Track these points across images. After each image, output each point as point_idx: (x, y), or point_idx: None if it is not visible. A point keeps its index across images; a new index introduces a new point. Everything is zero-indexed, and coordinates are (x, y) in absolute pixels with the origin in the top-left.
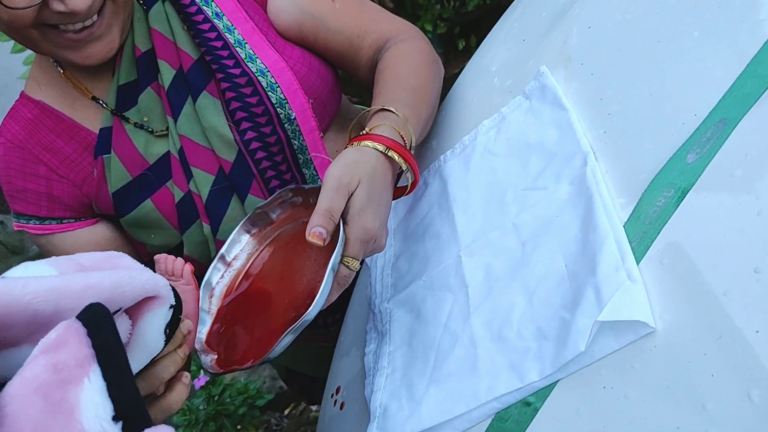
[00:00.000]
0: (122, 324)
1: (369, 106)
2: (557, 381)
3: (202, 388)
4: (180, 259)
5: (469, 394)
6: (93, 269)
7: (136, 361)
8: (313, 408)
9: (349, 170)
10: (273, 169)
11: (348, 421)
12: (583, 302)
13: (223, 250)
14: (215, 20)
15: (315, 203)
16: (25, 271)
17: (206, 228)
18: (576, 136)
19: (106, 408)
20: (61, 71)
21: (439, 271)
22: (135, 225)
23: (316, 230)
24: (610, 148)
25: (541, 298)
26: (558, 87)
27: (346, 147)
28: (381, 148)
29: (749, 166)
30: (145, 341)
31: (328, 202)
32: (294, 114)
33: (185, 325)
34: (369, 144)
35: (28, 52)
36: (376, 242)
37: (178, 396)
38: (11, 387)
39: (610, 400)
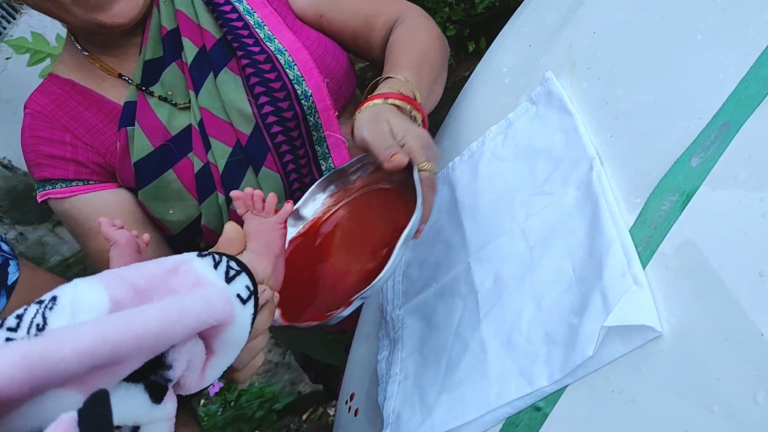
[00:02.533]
0: (191, 349)
1: None
2: (566, 386)
3: (216, 394)
4: (259, 192)
5: (481, 400)
6: (147, 290)
7: (230, 358)
8: (331, 412)
9: (372, 119)
10: (288, 144)
11: (362, 427)
12: (591, 307)
13: (297, 205)
14: (236, 3)
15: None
16: (74, 293)
17: (221, 198)
18: (582, 141)
19: None
20: (87, 54)
21: (449, 278)
22: (154, 197)
23: (395, 158)
24: (616, 152)
25: (549, 303)
26: (563, 92)
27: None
28: (379, 100)
29: (753, 168)
30: (232, 343)
31: (381, 143)
32: (310, 91)
33: (265, 296)
34: (370, 103)
35: (43, 64)
36: (434, 145)
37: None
38: None
39: (618, 404)
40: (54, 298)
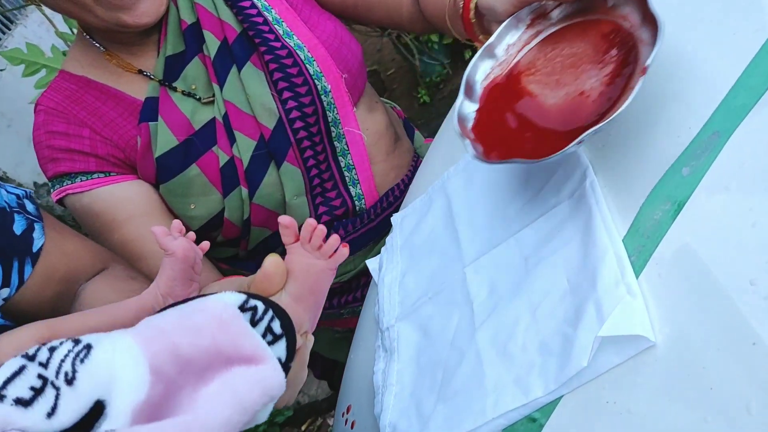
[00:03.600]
0: None
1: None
2: (561, 396)
3: None
4: (323, 228)
5: (477, 411)
6: (192, 359)
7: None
8: (331, 422)
9: None
10: (308, 140)
11: None
12: (585, 317)
13: (491, 40)
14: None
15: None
16: (112, 355)
17: (244, 192)
18: (575, 149)
19: None
20: (103, 50)
21: (444, 288)
22: (176, 192)
23: None
24: (608, 162)
25: (544, 312)
26: None
27: None
28: None
29: (743, 177)
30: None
31: None
32: (329, 87)
33: (301, 350)
34: None
35: (38, 75)
36: None
37: None
38: None
39: (613, 415)
40: (89, 348)
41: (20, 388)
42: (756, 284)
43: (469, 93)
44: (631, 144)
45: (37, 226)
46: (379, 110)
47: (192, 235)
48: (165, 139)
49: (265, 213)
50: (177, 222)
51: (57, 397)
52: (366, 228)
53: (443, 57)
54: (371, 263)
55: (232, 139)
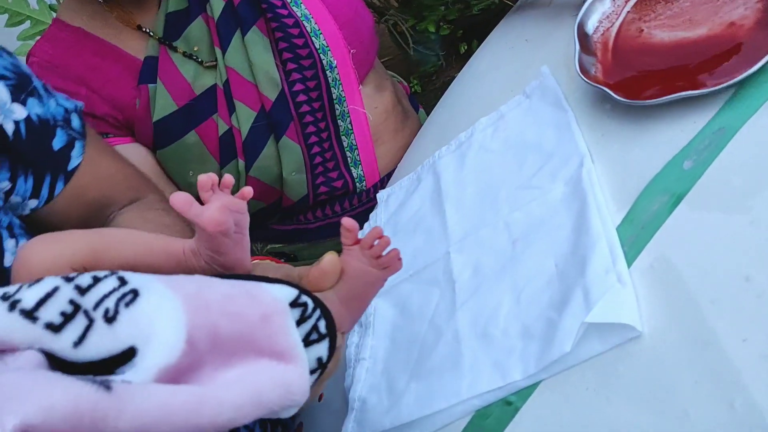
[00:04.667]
0: None
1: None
2: (540, 381)
3: None
4: (388, 239)
5: (451, 391)
6: (228, 341)
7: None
8: None
9: None
10: (311, 115)
11: (326, 413)
12: (572, 303)
13: None
14: None
15: None
16: (157, 309)
17: (241, 164)
18: (574, 137)
19: None
20: (102, 1)
21: (426, 267)
22: (174, 159)
23: None
24: (607, 151)
25: (528, 296)
26: (559, 88)
27: None
28: None
29: (746, 175)
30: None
31: None
32: (336, 62)
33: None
34: None
35: (23, 26)
36: None
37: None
38: None
39: (592, 402)
40: (135, 294)
41: (51, 312)
42: (751, 281)
43: (583, 43)
44: (631, 134)
45: (78, 144)
46: (387, 87)
47: (227, 181)
48: (164, 103)
49: (261, 187)
50: (205, 177)
51: (88, 328)
52: (363, 207)
53: (438, 49)
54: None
55: (231, 108)
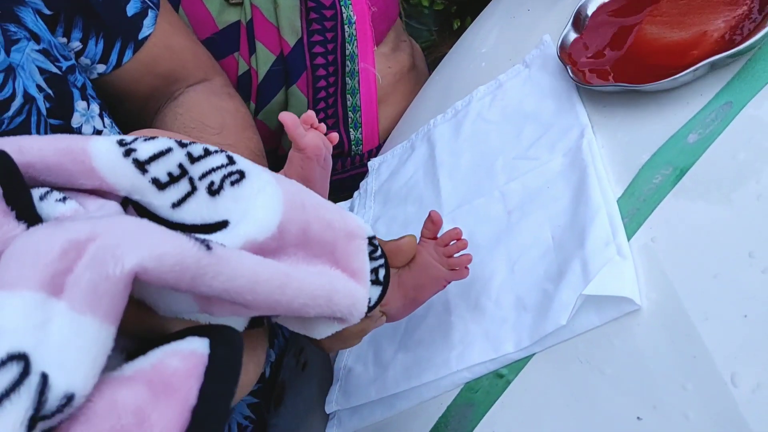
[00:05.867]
0: None
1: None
2: (533, 354)
3: None
4: (466, 242)
5: (440, 362)
6: (312, 241)
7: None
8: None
9: None
10: (324, 68)
11: (309, 382)
12: (569, 275)
13: None
14: None
15: None
16: (259, 190)
17: (252, 106)
18: (575, 108)
19: None
20: None
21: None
22: None
23: None
24: (609, 123)
25: (523, 268)
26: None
27: None
28: None
29: (752, 150)
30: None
31: None
32: (355, 17)
33: (377, 319)
34: None
35: None
36: None
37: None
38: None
39: (585, 374)
40: (242, 175)
41: (160, 170)
42: (755, 256)
43: (577, 24)
44: (634, 107)
45: (151, 13)
46: (404, 49)
47: (322, 126)
48: None
49: (265, 131)
50: (311, 113)
51: (189, 194)
52: (355, 171)
53: (432, 24)
54: (341, 207)
55: (252, 49)
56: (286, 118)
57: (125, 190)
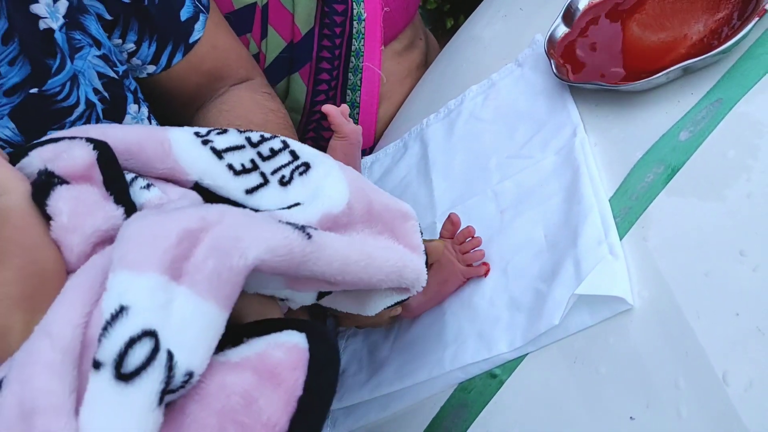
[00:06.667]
0: None
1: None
2: (526, 354)
3: None
4: (480, 239)
5: (433, 362)
6: (375, 217)
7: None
8: None
9: None
10: (328, 62)
11: None
12: (562, 274)
13: None
14: None
15: None
16: (324, 179)
17: None
18: (567, 106)
19: None
20: None
21: None
22: None
23: None
24: (601, 122)
25: (516, 268)
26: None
27: None
28: None
29: (742, 147)
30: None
31: None
32: (365, 15)
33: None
34: None
35: None
36: None
37: None
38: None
39: (580, 373)
40: (307, 166)
41: (235, 160)
42: (745, 254)
43: (567, 18)
44: (626, 105)
45: (202, 17)
46: (418, 46)
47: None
48: None
49: None
50: (344, 106)
51: (261, 185)
52: None
53: (426, 22)
54: None
55: (264, 33)
56: (330, 109)
57: (197, 173)
